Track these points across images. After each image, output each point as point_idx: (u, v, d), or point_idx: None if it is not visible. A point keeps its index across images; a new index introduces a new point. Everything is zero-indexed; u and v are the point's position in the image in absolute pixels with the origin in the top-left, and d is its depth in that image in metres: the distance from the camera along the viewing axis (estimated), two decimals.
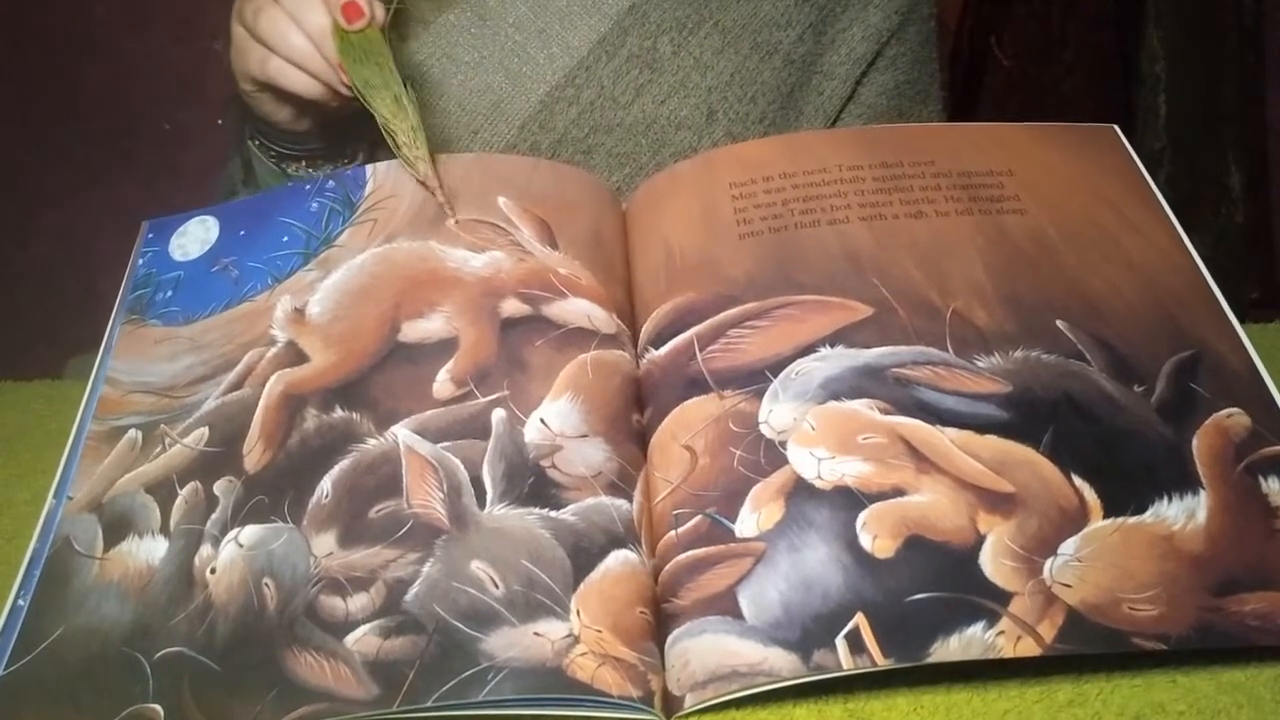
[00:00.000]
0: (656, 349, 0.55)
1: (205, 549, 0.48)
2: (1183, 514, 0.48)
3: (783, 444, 0.50)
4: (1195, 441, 0.50)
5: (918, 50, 0.87)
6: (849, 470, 0.49)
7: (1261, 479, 0.49)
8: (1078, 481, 0.48)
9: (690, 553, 0.48)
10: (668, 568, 0.48)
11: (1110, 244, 0.58)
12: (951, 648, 0.44)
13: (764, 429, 0.51)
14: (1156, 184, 0.61)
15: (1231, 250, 1.45)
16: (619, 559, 0.47)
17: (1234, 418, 0.51)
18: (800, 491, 0.48)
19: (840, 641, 0.44)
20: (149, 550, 0.49)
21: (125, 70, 1.74)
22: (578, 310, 0.56)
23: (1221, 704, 0.45)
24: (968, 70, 1.53)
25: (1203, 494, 0.48)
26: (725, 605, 0.46)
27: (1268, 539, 0.47)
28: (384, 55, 0.62)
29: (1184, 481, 0.49)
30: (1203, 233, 1.42)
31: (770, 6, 0.80)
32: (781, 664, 0.44)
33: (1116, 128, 0.66)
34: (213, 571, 0.48)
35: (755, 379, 0.52)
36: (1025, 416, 0.51)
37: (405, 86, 0.62)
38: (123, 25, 1.72)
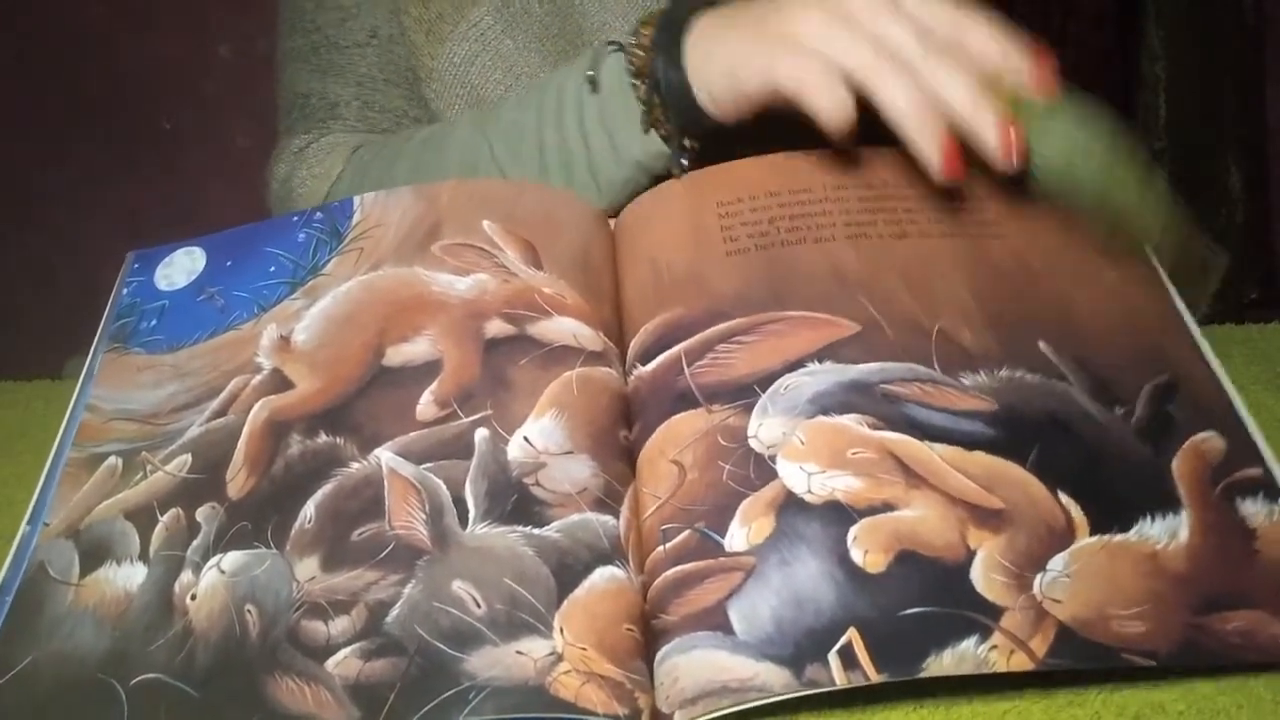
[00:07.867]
0: (644, 365, 0.54)
1: (186, 575, 0.48)
2: (1165, 533, 0.47)
3: (772, 458, 0.49)
4: (1175, 463, 0.50)
5: None
6: (839, 485, 0.48)
7: (1239, 501, 0.49)
8: (1064, 499, 0.48)
9: (679, 567, 0.47)
10: (656, 583, 0.47)
11: (1087, 272, 0.58)
12: (945, 662, 0.43)
13: (753, 443, 0.50)
14: None
15: (1231, 250, 1.44)
16: (605, 575, 0.47)
17: (1210, 441, 0.51)
18: (790, 506, 0.48)
19: (833, 657, 0.43)
20: (127, 577, 0.48)
21: (125, 70, 1.74)
22: (563, 329, 0.55)
23: (1221, 704, 0.44)
24: None
25: (1184, 514, 0.48)
26: (715, 620, 0.45)
27: (1247, 559, 0.47)
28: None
29: (1166, 502, 0.49)
30: (1203, 233, 1.41)
31: None
32: (774, 680, 0.43)
33: None
34: (193, 598, 0.47)
35: (744, 393, 0.52)
36: (1011, 434, 0.50)
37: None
38: (123, 25, 1.72)
